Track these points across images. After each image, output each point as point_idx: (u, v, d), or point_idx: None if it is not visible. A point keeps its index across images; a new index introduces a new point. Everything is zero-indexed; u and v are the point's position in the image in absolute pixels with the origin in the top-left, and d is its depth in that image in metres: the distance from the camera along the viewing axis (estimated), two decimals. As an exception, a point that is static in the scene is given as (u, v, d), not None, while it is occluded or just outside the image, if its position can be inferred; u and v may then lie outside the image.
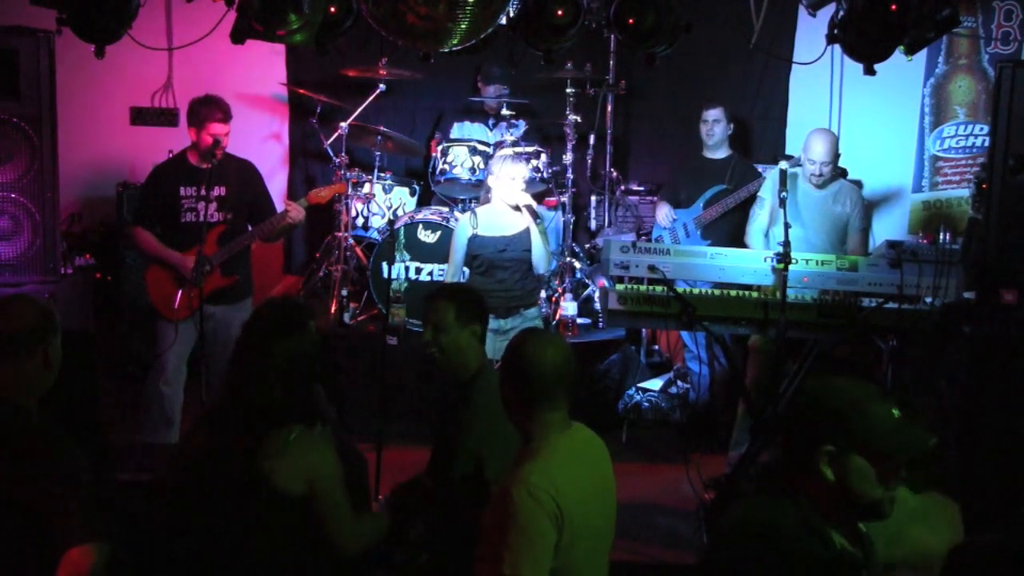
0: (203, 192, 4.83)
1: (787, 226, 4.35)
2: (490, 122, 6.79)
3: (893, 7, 4.16)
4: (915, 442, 2.05)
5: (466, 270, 5.03)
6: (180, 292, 4.87)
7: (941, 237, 4.60)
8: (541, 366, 2.61)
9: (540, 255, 4.87)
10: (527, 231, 4.89)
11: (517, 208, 4.86)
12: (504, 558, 2.41)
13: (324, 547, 2.74)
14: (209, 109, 4.86)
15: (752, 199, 5.53)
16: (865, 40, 4.34)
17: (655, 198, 6.44)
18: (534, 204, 4.89)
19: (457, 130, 6.76)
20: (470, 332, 3.24)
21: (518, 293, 4.92)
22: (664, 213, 5.97)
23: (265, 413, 2.68)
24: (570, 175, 6.42)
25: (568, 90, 6.37)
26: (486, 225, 4.89)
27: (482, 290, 4.86)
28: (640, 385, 5.94)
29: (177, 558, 2.72)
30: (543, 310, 6.18)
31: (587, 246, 6.77)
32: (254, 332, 2.80)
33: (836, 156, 5.15)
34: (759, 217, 5.30)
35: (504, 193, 4.88)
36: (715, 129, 5.89)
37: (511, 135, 6.34)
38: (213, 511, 2.68)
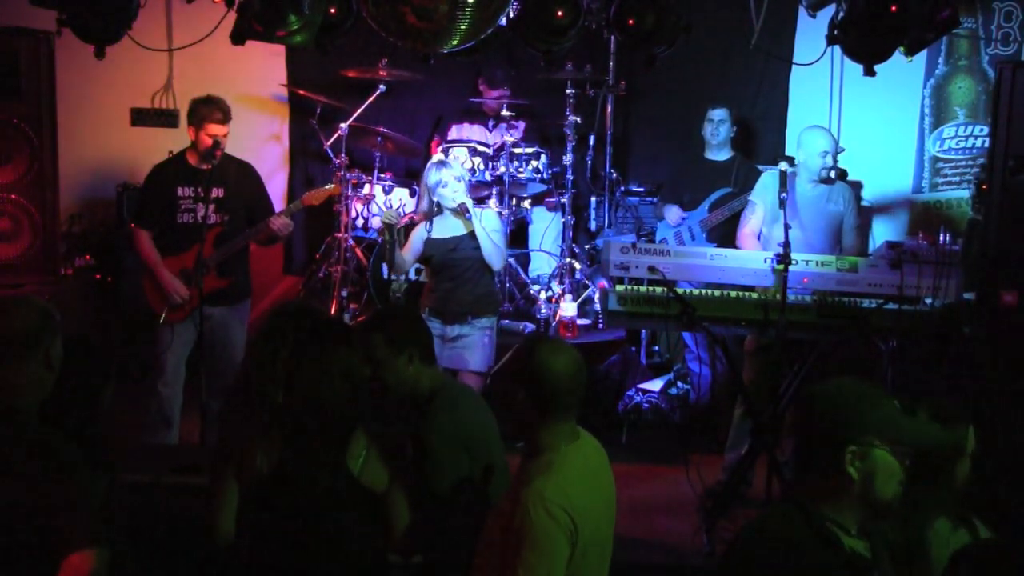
0: (201, 193, 4.83)
1: (787, 227, 4.34)
2: (490, 123, 6.79)
3: (893, 8, 4.17)
4: (924, 429, 2.08)
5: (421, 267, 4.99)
6: (177, 293, 4.87)
7: (941, 238, 4.60)
8: (556, 375, 2.55)
9: (488, 250, 4.83)
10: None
11: (461, 209, 4.83)
12: (519, 574, 2.39)
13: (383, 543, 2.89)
14: (208, 109, 4.85)
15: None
16: (865, 41, 4.34)
17: (655, 199, 6.44)
18: (468, 203, 4.83)
19: (456, 131, 6.76)
20: (407, 357, 3.13)
21: (468, 298, 4.87)
22: (674, 212, 5.97)
23: (339, 419, 2.77)
24: (570, 176, 6.42)
25: (568, 91, 6.37)
26: (440, 227, 4.91)
27: (434, 293, 4.90)
28: (640, 386, 5.93)
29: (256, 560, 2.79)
30: (542, 313, 6.19)
31: (587, 247, 6.77)
32: (311, 342, 2.84)
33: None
34: (751, 221, 5.23)
35: (441, 200, 4.86)
36: (720, 129, 5.88)
37: (511, 136, 6.33)
38: (308, 513, 2.74)
